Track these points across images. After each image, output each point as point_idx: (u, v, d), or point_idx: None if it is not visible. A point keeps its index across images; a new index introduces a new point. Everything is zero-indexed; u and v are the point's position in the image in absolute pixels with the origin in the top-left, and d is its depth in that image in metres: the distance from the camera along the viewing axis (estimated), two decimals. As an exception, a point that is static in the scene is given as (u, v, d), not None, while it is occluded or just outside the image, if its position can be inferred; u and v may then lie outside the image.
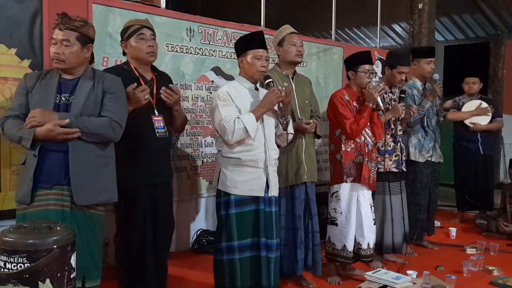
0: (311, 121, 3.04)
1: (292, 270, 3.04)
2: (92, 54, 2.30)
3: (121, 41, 2.58)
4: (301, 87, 3.15)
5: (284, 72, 3.10)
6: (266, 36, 4.45)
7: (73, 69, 2.21)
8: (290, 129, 2.76)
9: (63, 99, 2.17)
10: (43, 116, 2.06)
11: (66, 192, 2.12)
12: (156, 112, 2.55)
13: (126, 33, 2.53)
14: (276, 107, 2.67)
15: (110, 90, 2.24)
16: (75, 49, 2.17)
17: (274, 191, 2.68)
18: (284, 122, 2.66)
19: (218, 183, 2.66)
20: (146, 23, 2.58)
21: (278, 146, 2.80)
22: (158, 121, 2.55)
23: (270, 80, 2.67)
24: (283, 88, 2.60)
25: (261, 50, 2.64)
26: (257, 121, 2.56)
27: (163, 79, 2.69)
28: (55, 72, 2.22)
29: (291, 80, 3.10)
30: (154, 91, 2.54)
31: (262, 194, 2.61)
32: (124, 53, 2.61)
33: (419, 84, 3.98)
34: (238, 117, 2.53)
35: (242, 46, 2.68)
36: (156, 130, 2.52)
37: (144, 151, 2.49)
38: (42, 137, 2.06)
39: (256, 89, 2.72)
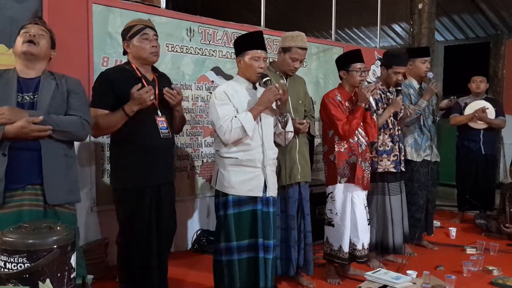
0: (304, 121, 3.02)
1: (286, 269, 3.05)
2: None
3: (123, 40, 2.56)
4: (295, 87, 3.13)
5: (278, 73, 3.08)
6: (265, 36, 4.48)
7: (38, 61, 2.19)
8: (290, 127, 2.74)
9: (27, 98, 2.13)
10: (12, 114, 2.02)
11: (39, 191, 2.09)
12: (159, 112, 2.54)
13: (129, 33, 2.51)
14: (274, 105, 2.65)
15: (75, 90, 2.25)
16: (47, 42, 2.21)
17: (272, 192, 2.66)
18: (283, 120, 2.62)
19: (216, 183, 2.65)
20: (149, 23, 2.57)
21: (278, 145, 2.79)
22: (162, 121, 2.53)
23: (268, 78, 2.64)
24: (280, 86, 2.58)
25: (259, 51, 2.60)
26: (254, 119, 2.54)
27: (163, 79, 2.69)
28: (11, 71, 2.19)
29: (284, 79, 3.09)
30: (157, 91, 2.53)
31: (260, 194, 2.60)
32: (124, 53, 2.60)
33: (415, 83, 3.98)
34: (235, 116, 2.51)
35: (241, 46, 2.66)
36: (160, 131, 2.51)
37: (148, 152, 2.48)
38: (13, 134, 2.02)
39: (255, 88, 2.71)
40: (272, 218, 2.65)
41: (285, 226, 3.03)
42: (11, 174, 2.04)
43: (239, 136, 2.51)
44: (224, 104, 2.55)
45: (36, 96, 2.14)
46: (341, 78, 3.26)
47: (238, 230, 2.57)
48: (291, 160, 3.01)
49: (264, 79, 2.63)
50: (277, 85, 2.60)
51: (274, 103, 2.61)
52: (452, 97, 4.99)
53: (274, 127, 2.74)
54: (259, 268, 2.58)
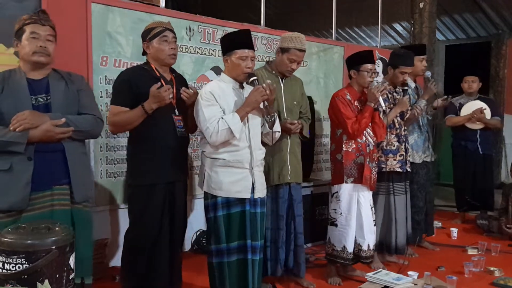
0: (296, 121, 2.98)
1: (275, 270, 3.02)
2: None
3: (143, 41, 2.62)
4: (291, 88, 3.10)
5: (274, 72, 3.06)
6: (265, 36, 4.47)
7: (48, 64, 2.20)
8: (277, 127, 2.69)
9: (40, 100, 2.14)
10: (35, 118, 2.03)
11: (66, 191, 2.14)
12: (176, 111, 2.61)
13: (150, 34, 2.58)
14: (261, 105, 2.59)
15: (82, 88, 2.29)
16: (54, 46, 2.21)
17: (260, 192, 2.62)
18: (270, 120, 2.57)
19: (203, 185, 2.61)
20: (168, 25, 2.63)
21: (265, 145, 2.75)
22: (179, 120, 2.60)
23: (255, 78, 2.58)
24: (267, 86, 2.52)
25: (246, 50, 2.54)
26: (241, 120, 2.49)
27: (180, 80, 2.75)
28: (17, 72, 2.17)
29: (280, 80, 3.06)
30: (174, 91, 2.58)
31: (248, 195, 2.56)
32: (144, 53, 2.66)
33: (411, 82, 3.96)
34: (222, 118, 2.47)
35: (228, 45, 2.60)
36: (176, 129, 2.57)
37: (164, 150, 2.54)
38: (38, 138, 2.04)
39: (242, 87, 2.65)
40: (259, 218, 2.62)
41: (274, 227, 3.01)
42: (38, 176, 2.06)
43: (226, 138, 2.48)
44: (211, 105, 2.50)
45: (49, 98, 2.16)
46: (350, 77, 3.26)
47: (228, 232, 2.54)
48: (281, 160, 2.99)
49: (251, 79, 2.57)
50: (264, 85, 2.55)
51: (261, 103, 2.56)
52: (445, 96, 4.96)
53: (261, 127, 2.70)
54: (247, 270, 2.56)
